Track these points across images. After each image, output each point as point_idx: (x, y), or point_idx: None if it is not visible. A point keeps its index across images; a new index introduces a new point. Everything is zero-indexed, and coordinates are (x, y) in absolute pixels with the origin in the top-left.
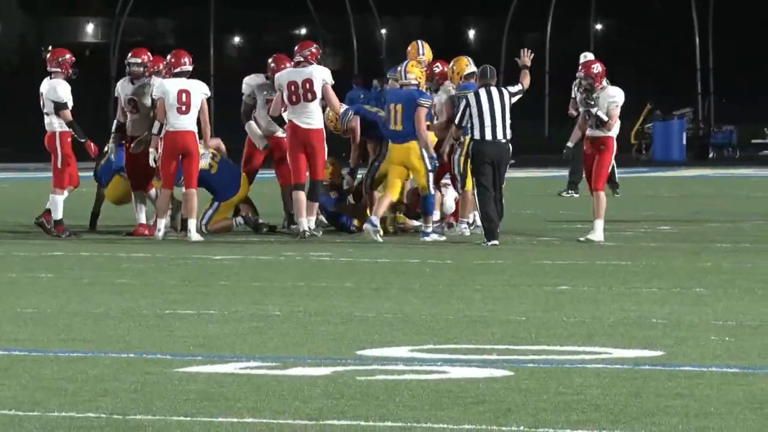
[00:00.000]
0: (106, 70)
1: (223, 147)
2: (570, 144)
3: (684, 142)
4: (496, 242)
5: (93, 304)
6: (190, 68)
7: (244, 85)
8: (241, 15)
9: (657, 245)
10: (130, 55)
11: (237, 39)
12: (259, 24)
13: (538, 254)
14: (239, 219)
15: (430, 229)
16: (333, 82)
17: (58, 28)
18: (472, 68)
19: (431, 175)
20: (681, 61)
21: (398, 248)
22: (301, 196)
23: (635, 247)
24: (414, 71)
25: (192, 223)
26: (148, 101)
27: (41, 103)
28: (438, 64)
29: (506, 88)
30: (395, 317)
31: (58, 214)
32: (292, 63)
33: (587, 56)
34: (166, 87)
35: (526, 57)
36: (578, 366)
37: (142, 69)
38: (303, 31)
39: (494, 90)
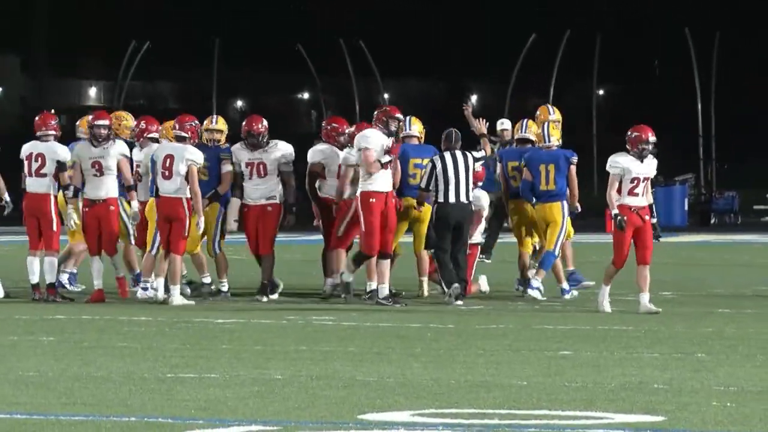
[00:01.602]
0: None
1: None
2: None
3: (686, 207)
4: (460, 303)
5: (94, 368)
6: (182, 134)
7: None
8: (243, 78)
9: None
10: (92, 117)
11: (239, 102)
12: (261, 87)
13: (539, 319)
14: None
15: (537, 283)
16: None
17: (60, 91)
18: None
19: (564, 234)
20: (683, 127)
21: (400, 313)
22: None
23: (636, 312)
24: (555, 133)
25: (175, 289)
26: (112, 163)
27: (30, 165)
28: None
29: (471, 153)
30: (397, 381)
31: (53, 277)
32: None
33: (504, 123)
34: (157, 152)
35: (482, 126)
36: (579, 431)
37: (107, 131)
38: (306, 94)
39: (459, 154)
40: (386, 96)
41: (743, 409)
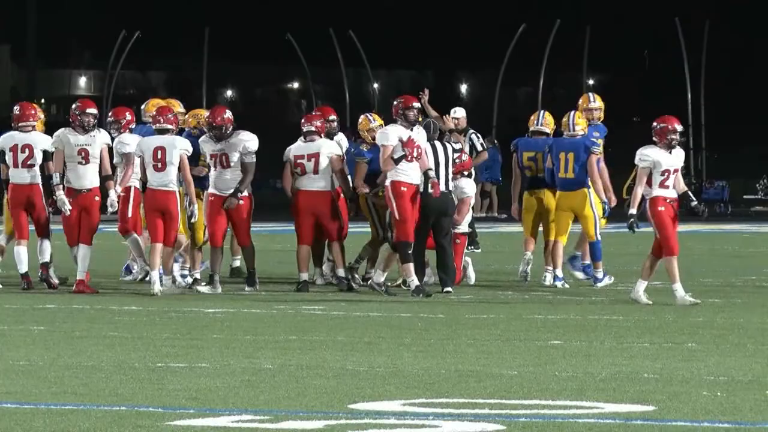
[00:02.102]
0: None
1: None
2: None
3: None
4: (450, 290)
5: (85, 357)
6: (167, 126)
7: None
8: (232, 68)
9: (649, 300)
10: (79, 105)
11: (229, 92)
12: (251, 77)
13: (530, 309)
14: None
15: (600, 274)
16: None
17: (50, 81)
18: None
19: (599, 221)
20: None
21: (390, 303)
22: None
23: (627, 301)
24: (581, 123)
25: (155, 275)
26: (97, 152)
27: (15, 156)
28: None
29: (450, 144)
30: (387, 371)
31: (47, 257)
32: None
33: (457, 112)
34: (144, 144)
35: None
36: (570, 420)
37: (95, 120)
38: (295, 84)
39: (438, 144)
40: (376, 86)
41: (733, 398)
